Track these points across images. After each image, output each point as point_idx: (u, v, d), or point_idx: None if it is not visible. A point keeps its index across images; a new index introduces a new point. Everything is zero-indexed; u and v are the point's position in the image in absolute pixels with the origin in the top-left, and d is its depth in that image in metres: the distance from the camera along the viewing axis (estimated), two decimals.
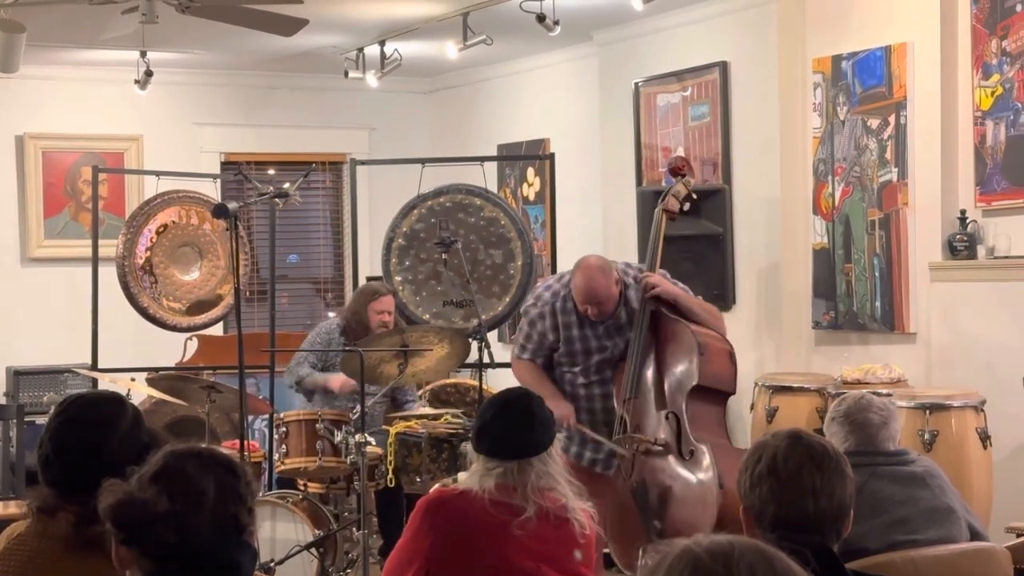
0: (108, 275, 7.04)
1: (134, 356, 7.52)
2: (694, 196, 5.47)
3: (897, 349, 6.05)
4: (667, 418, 4.89)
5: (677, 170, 5.45)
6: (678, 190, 5.32)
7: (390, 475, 5.71)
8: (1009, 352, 5.53)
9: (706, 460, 4.77)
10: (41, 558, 2.51)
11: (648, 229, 6.71)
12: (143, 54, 7.48)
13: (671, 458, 4.85)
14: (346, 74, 8.10)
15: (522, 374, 5.20)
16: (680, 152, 7.30)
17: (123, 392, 4.37)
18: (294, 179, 6.42)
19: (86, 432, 2.59)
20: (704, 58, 7.13)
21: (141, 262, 7.07)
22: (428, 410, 6.23)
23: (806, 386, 5.93)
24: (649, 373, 4.98)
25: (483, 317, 6.19)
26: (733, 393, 5.15)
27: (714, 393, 5.00)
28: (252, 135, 9.50)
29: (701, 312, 5.08)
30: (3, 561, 2.54)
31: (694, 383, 4.89)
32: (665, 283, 5.05)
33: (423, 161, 7.07)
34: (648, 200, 6.75)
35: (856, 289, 6.21)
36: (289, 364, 6.42)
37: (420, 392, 6.73)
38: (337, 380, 6.13)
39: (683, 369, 4.93)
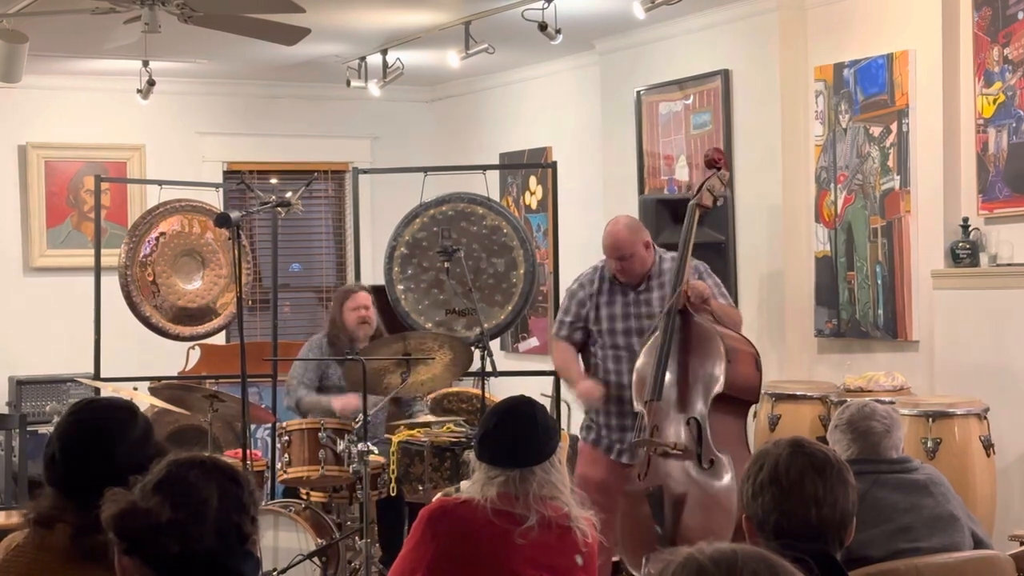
0: (111, 284, 7.04)
1: (136, 365, 7.52)
2: (727, 193, 5.36)
3: (900, 357, 6.04)
4: (688, 423, 4.76)
5: (714, 162, 5.19)
6: (713, 184, 5.12)
7: (392, 484, 5.70)
8: (1012, 360, 5.52)
9: (728, 473, 4.61)
10: (40, 569, 2.50)
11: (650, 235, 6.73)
12: (145, 63, 7.48)
13: (691, 465, 4.71)
14: (348, 83, 8.10)
15: (556, 355, 5.39)
16: (683, 161, 7.30)
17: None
18: (296, 188, 6.41)
19: (92, 436, 2.59)
20: (706, 66, 7.13)
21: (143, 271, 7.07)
22: (431, 418, 6.22)
23: (809, 394, 5.92)
24: (673, 376, 4.84)
25: (485, 326, 6.18)
26: (756, 403, 5.06)
27: (737, 402, 4.84)
28: (254, 144, 9.51)
29: (724, 318, 5.03)
30: (2, 572, 2.54)
31: (719, 391, 4.73)
32: (702, 286, 4.97)
33: (425, 170, 7.06)
34: (650, 208, 6.74)
35: (859, 297, 6.21)
36: (287, 383, 6.41)
37: (424, 399, 6.72)
38: (339, 401, 6.11)
39: (709, 375, 4.77)
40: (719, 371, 4.74)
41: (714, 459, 4.66)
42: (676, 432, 4.78)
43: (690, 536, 4.52)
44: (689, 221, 5.09)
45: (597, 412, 5.21)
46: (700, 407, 4.75)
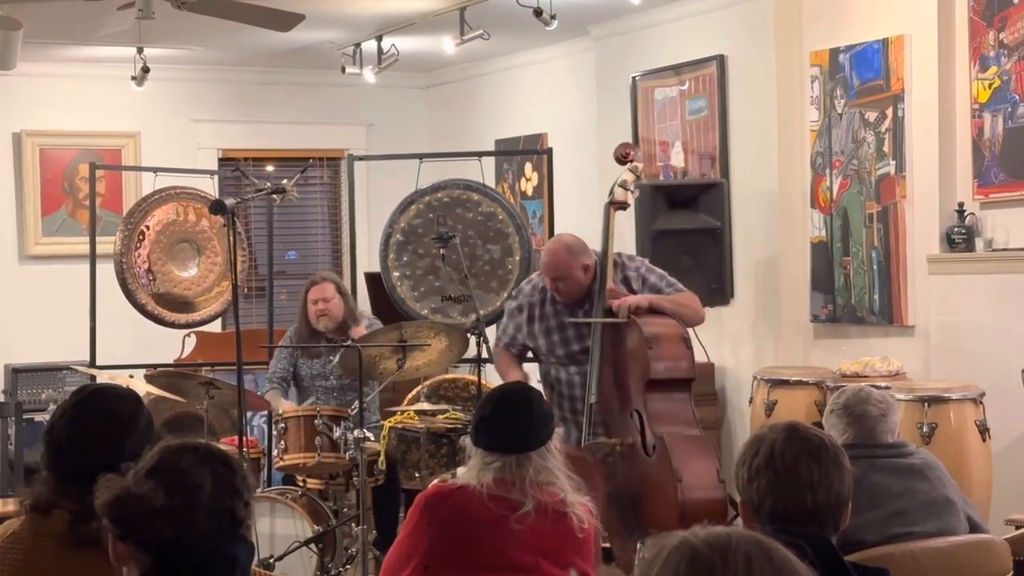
0: (106, 272, 7.03)
1: (132, 353, 7.51)
2: (642, 178, 5.30)
3: (895, 342, 6.04)
4: (631, 416, 4.82)
5: (623, 158, 5.17)
6: (625, 180, 5.10)
7: (382, 468, 5.69)
8: (1008, 344, 5.52)
9: (664, 453, 4.69)
10: (37, 556, 2.51)
11: (646, 224, 6.72)
12: (140, 50, 7.46)
13: (638, 457, 4.79)
14: (343, 69, 8.08)
15: (498, 363, 5.29)
16: (678, 147, 7.29)
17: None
18: (292, 175, 6.40)
19: (104, 424, 2.60)
20: (701, 52, 7.12)
21: (139, 259, 7.06)
22: (426, 406, 6.22)
23: (804, 380, 5.92)
24: (609, 374, 4.91)
25: (481, 312, 6.17)
26: (693, 379, 5.01)
27: (672, 382, 4.88)
28: (249, 131, 9.49)
29: (674, 308, 4.96)
30: None
31: (648, 378, 4.79)
32: (633, 298, 4.92)
33: (421, 156, 7.06)
34: (646, 194, 6.74)
35: (854, 282, 6.21)
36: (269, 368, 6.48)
37: (418, 388, 6.71)
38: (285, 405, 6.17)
39: (636, 365, 4.83)
40: (645, 360, 4.80)
41: (655, 443, 4.73)
42: (623, 428, 4.84)
43: (651, 524, 4.61)
44: (606, 222, 5.06)
45: (559, 408, 5.12)
46: (637, 398, 4.82)
